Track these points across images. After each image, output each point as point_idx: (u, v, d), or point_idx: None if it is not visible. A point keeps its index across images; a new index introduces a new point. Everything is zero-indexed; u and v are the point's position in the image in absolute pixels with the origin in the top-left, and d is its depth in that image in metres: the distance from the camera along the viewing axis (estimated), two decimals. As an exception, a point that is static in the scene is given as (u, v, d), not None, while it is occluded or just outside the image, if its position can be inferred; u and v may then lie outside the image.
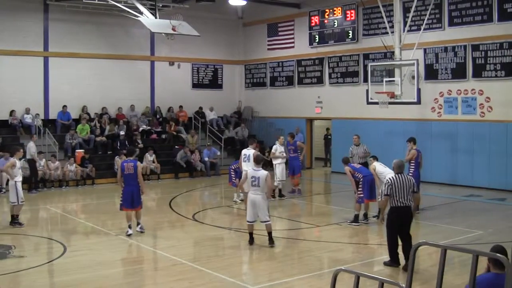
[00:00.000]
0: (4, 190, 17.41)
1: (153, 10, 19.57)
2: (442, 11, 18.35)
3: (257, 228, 10.58)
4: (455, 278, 8.05)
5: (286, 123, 23.86)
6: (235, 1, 22.35)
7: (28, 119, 20.92)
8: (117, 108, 23.14)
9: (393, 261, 8.83)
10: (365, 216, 12.46)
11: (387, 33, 17.59)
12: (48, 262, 9.53)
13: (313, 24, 22.80)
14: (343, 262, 9.25)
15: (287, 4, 23.35)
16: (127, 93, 23.45)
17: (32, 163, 17.76)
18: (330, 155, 24.21)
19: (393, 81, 16.60)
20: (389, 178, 8.95)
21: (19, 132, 20.56)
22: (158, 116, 24.02)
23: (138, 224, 11.65)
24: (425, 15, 17.75)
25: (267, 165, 21.02)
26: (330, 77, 22.57)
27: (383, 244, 11.05)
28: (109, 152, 20.99)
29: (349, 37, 21.42)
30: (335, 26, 21.91)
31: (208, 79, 26.01)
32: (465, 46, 17.82)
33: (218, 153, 22.43)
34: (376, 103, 16.97)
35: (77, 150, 19.89)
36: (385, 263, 8.94)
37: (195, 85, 25.63)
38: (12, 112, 20.83)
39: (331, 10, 22.05)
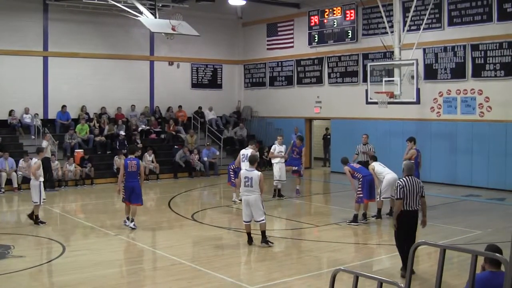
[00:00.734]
0: (3, 190, 17.42)
1: (152, 10, 19.57)
2: (442, 11, 18.35)
3: (257, 228, 10.57)
4: (454, 278, 8.05)
5: (285, 123, 23.86)
6: (235, 1, 22.33)
7: (27, 119, 20.90)
8: (116, 108, 23.13)
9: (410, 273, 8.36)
10: (364, 216, 12.45)
11: (387, 33, 17.60)
12: (47, 262, 9.52)
13: (312, 24, 22.80)
14: (342, 262, 9.24)
15: (287, 4, 23.34)
16: (126, 93, 23.44)
17: (46, 162, 17.79)
18: (329, 155, 24.21)
19: (393, 81, 16.59)
20: (401, 181, 8.50)
21: (18, 132, 20.55)
22: (157, 116, 24.01)
23: (132, 220, 12.01)
24: (425, 15, 17.75)
25: (266, 164, 21.08)
26: (329, 77, 22.57)
27: (382, 244, 11.07)
28: (108, 152, 20.97)
29: (349, 37, 21.42)
30: (335, 26, 21.91)
31: (208, 79, 26.01)
32: (464, 46, 17.82)
33: (217, 153, 22.43)
34: (376, 103, 16.97)
35: (76, 150, 19.88)
36: (402, 275, 8.27)
37: (195, 85, 25.63)
38: (11, 112, 20.81)
39: (330, 10, 22.04)
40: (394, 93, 16.37)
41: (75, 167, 18.98)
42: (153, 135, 23.01)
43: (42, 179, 12.62)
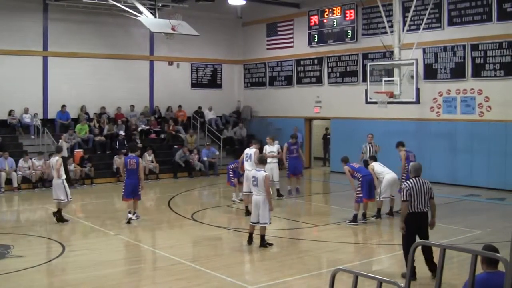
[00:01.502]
0: (3, 190, 17.42)
1: (152, 9, 19.57)
2: (442, 11, 18.35)
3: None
4: (454, 278, 8.05)
5: (285, 123, 23.85)
6: (235, 0, 22.33)
7: (27, 118, 20.90)
8: (116, 108, 23.13)
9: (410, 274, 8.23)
10: (364, 216, 12.45)
11: (386, 32, 17.61)
12: (47, 262, 9.52)
13: (312, 24, 22.80)
14: (342, 261, 9.24)
15: (286, 4, 23.34)
16: (126, 92, 23.43)
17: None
18: (329, 155, 24.20)
19: (392, 80, 16.60)
20: (408, 182, 8.29)
21: (18, 131, 20.54)
22: (157, 116, 24.01)
23: (134, 213, 12.76)
24: (425, 14, 17.76)
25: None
26: (329, 76, 22.56)
27: (382, 244, 11.08)
28: (108, 152, 20.96)
29: (348, 36, 21.42)
30: (334, 25, 21.91)
31: (207, 78, 26.00)
32: (464, 46, 17.82)
33: (217, 152, 22.42)
34: (375, 102, 16.98)
35: (76, 150, 19.87)
36: (403, 275, 8.17)
37: (194, 85, 25.62)
38: (11, 112, 20.81)
39: (330, 10, 22.04)
40: (393, 93, 16.38)
41: (74, 167, 18.97)
42: (153, 135, 23.01)
43: (64, 176, 12.73)
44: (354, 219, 12.27)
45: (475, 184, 17.51)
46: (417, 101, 16.55)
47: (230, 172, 15.13)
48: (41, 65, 21.67)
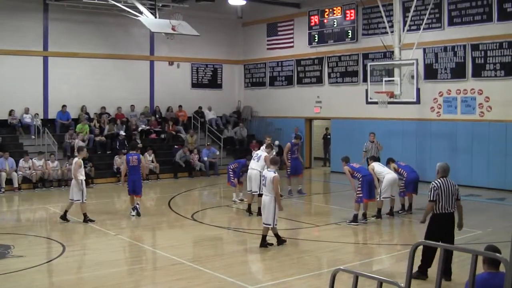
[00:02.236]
0: (3, 190, 17.42)
1: (152, 9, 19.57)
2: (442, 11, 18.35)
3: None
4: (454, 278, 8.05)
5: (285, 123, 23.86)
6: (235, 0, 22.34)
7: (27, 118, 20.90)
8: (117, 108, 23.13)
9: (422, 273, 8.10)
10: (364, 216, 12.45)
11: (387, 32, 17.60)
12: (47, 262, 9.52)
13: (312, 24, 22.80)
14: (342, 261, 9.23)
15: (287, 4, 23.34)
16: (126, 92, 23.44)
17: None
18: (329, 155, 24.20)
19: (393, 80, 16.59)
20: (436, 182, 8.13)
21: (18, 132, 20.55)
22: (157, 116, 24.01)
23: (134, 208, 13.29)
24: (425, 14, 17.75)
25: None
26: (329, 76, 22.56)
27: (382, 244, 11.08)
28: (108, 152, 20.96)
29: (349, 36, 21.42)
30: (335, 25, 21.91)
31: (208, 78, 26.00)
32: (464, 46, 17.81)
33: (217, 152, 22.42)
34: (376, 102, 16.97)
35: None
36: (413, 276, 8.28)
37: (195, 85, 25.62)
38: (11, 112, 20.81)
39: (330, 10, 22.04)
40: (394, 93, 16.38)
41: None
42: (153, 135, 23.01)
43: (81, 177, 12.69)
44: (354, 219, 12.27)
45: (475, 184, 17.50)
46: (418, 101, 16.54)
47: (230, 172, 15.13)
48: (41, 65, 21.67)
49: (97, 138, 21.05)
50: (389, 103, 16.78)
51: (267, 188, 10.06)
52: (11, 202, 16.44)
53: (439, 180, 8.16)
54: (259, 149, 14.83)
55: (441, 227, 8.03)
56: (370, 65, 17.62)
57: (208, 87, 25.92)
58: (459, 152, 18.13)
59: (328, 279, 4.68)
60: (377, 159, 13.94)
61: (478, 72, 17.54)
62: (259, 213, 13.26)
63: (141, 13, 19.23)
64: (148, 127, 22.98)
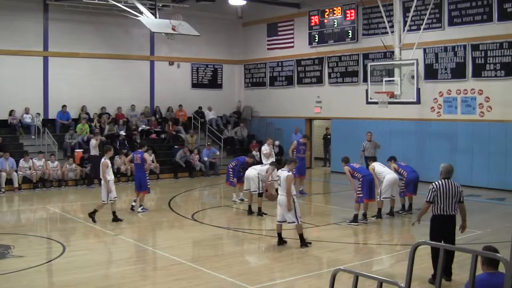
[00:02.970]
0: (3, 190, 17.43)
1: (153, 9, 19.58)
2: (442, 11, 18.35)
3: (264, 229, 10.56)
4: (454, 278, 8.05)
5: (285, 123, 23.86)
6: (235, 1, 22.34)
7: (27, 119, 20.91)
8: (117, 108, 23.13)
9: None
10: (364, 216, 12.45)
11: (387, 33, 17.59)
12: (47, 262, 9.52)
13: (312, 24, 22.80)
14: (342, 262, 9.24)
15: (287, 4, 23.34)
16: (126, 93, 23.44)
17: (93, 159, 18.39)
18: (329, 155, 24.20)
19: (393, 81, 16.58)
20: (435, 184, 7.99)
21: (18, 132, 20.55)
22: (157, 116, 24.01)
23: (140, 205, 13.94)
24: (425, 14, 17.75)
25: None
26: (329, 77, 22.56)
27: (382, 244, 11.07)
28: (108, 152, 20.92)
29: (349, 37, 21.41)
30: (335, 26, 21.90)
31: (208, 79, 26.01)
32: (464, 46, 17.81)
33: (218, 153, 22.42)
34: (376, 103, 16.97)
35: (76, 150, 19.87)
36: (430, 281, 7.97)
37: (195, 85, 25.63)
38: (11, 112, 20.81)
39: (331, 10, 22.04)
40: (394, 93, 16.38)
41: (75, 167, 18.97)
42: (153, 135, 23.01)
43: (109, 177, 12.68)
44: (355, 219, 12.27)
45: (475, 184, 17.49)
46: (418, 101, 16.54)
47: (230, 171, 15.08)
48: (41, 65, 21.67)
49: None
50: (389, 103, 16.77)
51: (282, 188, 10.07)
52: (11, 202, 16.45)
53: (439, 181, 8.01)
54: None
55: (441, 229, 7.91)
56: (370, 65, 17.62)
57: (208, 87, 25.92)
58: (459, 152, 18.13)
59: (328, 279, 4.69)
60: (374, 159, 13.98)
61: (478, 72, 17.54)
62: (260, 213, 13.33)
63: (141, 13, 19.24)
64: (148, 127, 22.98)
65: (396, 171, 13.21)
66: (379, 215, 12.82)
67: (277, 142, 22.78)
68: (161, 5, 21.07)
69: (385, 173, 12.74)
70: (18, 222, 13.84)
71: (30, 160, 18.23)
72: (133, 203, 14.15)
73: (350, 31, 21.36)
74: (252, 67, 26.27)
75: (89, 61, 22.55)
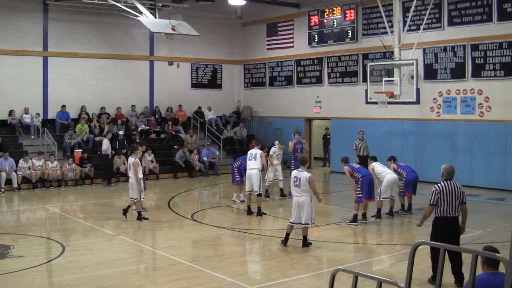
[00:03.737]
0: (3, 190, 17.42)
1: (152, 10, 19.57)
2: (442, 11, 18.35)
3: (264, 229, 10.55)
4: (453, 278, 8.04)
5: (285, 123, 23.86)
6: (235, 1, 22.34)
7: (27, 119, 20.90)
8: (116, 108, 23.13)
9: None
10: (364, 216, 12.45)
11: (387, 33, 17.60)
12: (47, 262, 9.52)
13: (312, 24, 22.80)
14: (342, 262, 9.24)
15: (287, 4, 23.34)
16: (126, 93, 23.44)
17: (106, 158, 18.89)
18: (329, 155, 24.20)
19: (392, 81, 16.60)
20: (438, 186, 7.85)
21: (18, 132, 20.54)
22: (157, 116, 24.01)
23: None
24: (425, 15, 17.75)
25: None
26: (329, 77, 22.56)
27: (382, 244, 11.08)
28: (108, 152, 20.93)
29: (349, 37, 21.42)
30: (335, 26, 21.91)
31: (207, 79, 26.00)
32: (464, 46, 17.82)
33: (217, 153, 22.42)
34: (375, 103, 16.98)
35: (75, 150, 19.86)
36: (429, 281, 7.96)
37: (194, 85, 25.62)
38: (11, 112, 20.80)
39: (330, 10, 22.04)
40: (394, 93, 16.39)
41: (74, 167, 18.97)
42: (153, 135, 23.00)
43: (140, 175, 12.77)
44: (354, 219, 12.27)
45: (475, 184, 17.49)
46: (417, 101, 16.55)
47: (235, 171, 14.88)
48: (41, 65, 21.66)
49: (97, 138, 21.04)
50: (389, 103, 16.79)
51: (302, 188, 10.00)
52: (11, 202, 16.44)
53: (442, 183, 7.90)
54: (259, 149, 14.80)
55: (444, 231, 7.76)
56: (370, 65, 17.63)
57: (208, 87, 25.92)
58: (459, 152, 18.13)
59: (328, 279, 4.68)
60: (365, 158, 14.01)
61: (477, 72, 17.55)
62: (259, 213, 13.32)
63: (141, 13, 19.23)
64: (147, 127, 22.98)
65: (395, 171, 13.21)
66: (378, 215, 12.82)
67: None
68: (160, 5, 21.07)
69: (384, 173, 12.74)
70: (17, 222, 13.84)
71: (30, 160, 18.22)
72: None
73: (349, 31, 21.37)
74: (252, 67, 26.27)
75: (89, 61, 22.54)
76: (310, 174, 10.10)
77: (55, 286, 8.60)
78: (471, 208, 14.47)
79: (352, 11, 21.26)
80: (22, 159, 18.18)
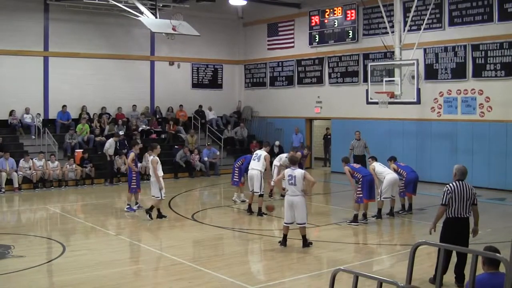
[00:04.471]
0: (3, 190, 17.43)
1: (153, 10, 19.58)
2: (442, 11, 18.34)
3: (265, 229, 10.54)
4: (453, 278, 8.03)
5: (285, 123, 23.86)
6: (235, 1, 22.34)
7: (27, 119, 20.91)
8: (117, 108, 23.13)
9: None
10: (364, 216, 12.44)
11: (387, 33, 17.59)
12: (47, 262, 9.52)
13: (313, 24, 22.80)
14: (342, 262, 9.23)
15: (287, 4, 23.34)
16: (127, 93, 23.44)
17: (105, 158, 19.18)
18: (329, 155, 24.20)
19: (393, 81, 16.60)
20: (449, 186, 7.81)
21: (18, 132, 20.55)
22: (157, 116, 24.01)
23: (136, 203, 14.21)
24: (425, 15, 17.74)
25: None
26: (330, 77, 22.56)
27: (382, 244, 11.07)
28: (108, 152, 20.93)
29: (349, 37, 21.41)
30: (335, 26, 21.90)
31: (208, 79, 26.01)
32: (465, 46, 17.81)
33: (218, 153, 22.42)
34: (376, 103, 16.97)
35: (76, 150, 19.87)
36: (430, 281, 7.95)
37: (195, 85, 25.63)
38: (11, 112, 20.81)
39: (331, 10, 22.04)
40: (394, 93, 16.39)
41: (75, 167, 18.97)
42: (154, 135, 22.99)
43: (160, 173, 13.00)
44: (355, 219, 12.27)
45: (475, 184, 17.16)
46: (418, 101, 16.54)
47: (236, 171, 14.84)
48: (41, 65, 21.67)
49: (97, 138, 21.05)
50: (390, 103, 16.78)
51: (297, 187, 9.98)
52: (11, 202, 16.44)
53: (454, 183, 7.85)
54: (259, 149, 14.82)
55: (454, 231, 7.69)
56: (370, 65, 17.62)
57: (209, 87, 25.92)
58: (459, 152, 18.12)
59: (328, 279, 4.68)
60: (361, 158, 13.98)
61: (478, 72, 17.54)
62: (260, 213, 13.32)
63: (141, 13, 19.24)
64: (148, 127, 22.98)
65: (395, 171, 13.21)
66: (379, 215, 12.81)
67: (277, 143, 22.81)
68: (161, 5, 21.07)
69: (385, 173, 12.73)
70: (18, 222, 13.84)
71: (30, 160, 18.23)
72: (128, 204, 14.15)
73: (350, 31, 21.36)
74: (253, 67, 26.27)
75: (90, 61, 22.55)
76: (304, 171, 10.16)
77: (55, 286, 8.60)
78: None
79: (353, 11, 21.25)
80: (22, 159, 18.19)
